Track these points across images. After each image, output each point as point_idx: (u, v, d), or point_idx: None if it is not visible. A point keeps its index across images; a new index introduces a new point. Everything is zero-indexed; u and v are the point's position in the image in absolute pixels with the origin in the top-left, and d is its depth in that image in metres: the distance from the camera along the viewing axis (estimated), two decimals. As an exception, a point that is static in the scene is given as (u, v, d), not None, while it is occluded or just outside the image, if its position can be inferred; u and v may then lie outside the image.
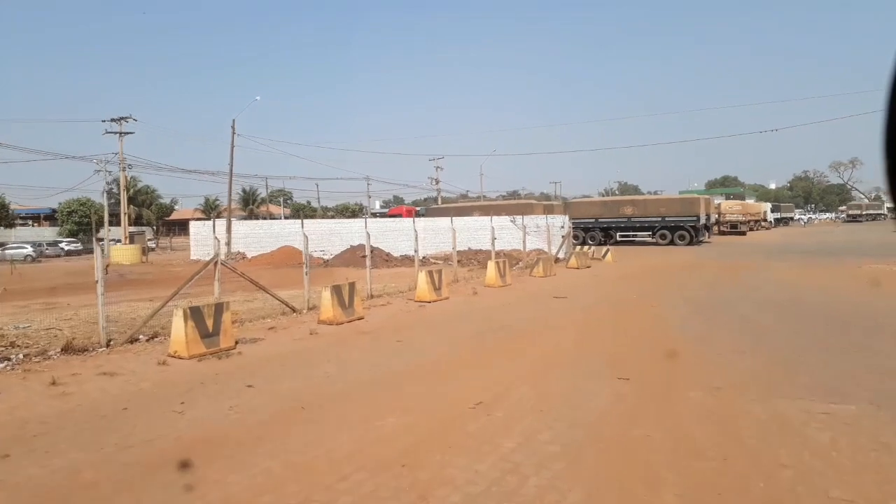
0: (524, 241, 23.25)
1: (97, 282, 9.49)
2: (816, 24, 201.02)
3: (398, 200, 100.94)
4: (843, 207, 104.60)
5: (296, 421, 5.95)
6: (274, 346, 9.59)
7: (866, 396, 6.27)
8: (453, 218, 30.91)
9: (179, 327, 8.86)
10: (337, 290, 11.39)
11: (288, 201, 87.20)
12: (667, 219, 39.04)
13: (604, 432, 5.45)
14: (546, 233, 25.57)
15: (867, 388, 6.62)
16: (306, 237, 13.09)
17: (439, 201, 63.72)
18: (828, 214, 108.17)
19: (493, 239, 20.00)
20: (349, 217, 66.12)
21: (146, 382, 7.55)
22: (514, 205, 41.79)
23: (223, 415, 6.21)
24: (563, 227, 27.65)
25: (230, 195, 36.03)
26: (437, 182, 63.65)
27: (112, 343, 9.53)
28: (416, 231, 16.44)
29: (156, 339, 9.94)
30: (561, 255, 26.02)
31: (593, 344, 9.40)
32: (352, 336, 10.28)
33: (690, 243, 38.41)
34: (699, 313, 12.11)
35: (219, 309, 9.30)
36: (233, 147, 34.54)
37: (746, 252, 31.84)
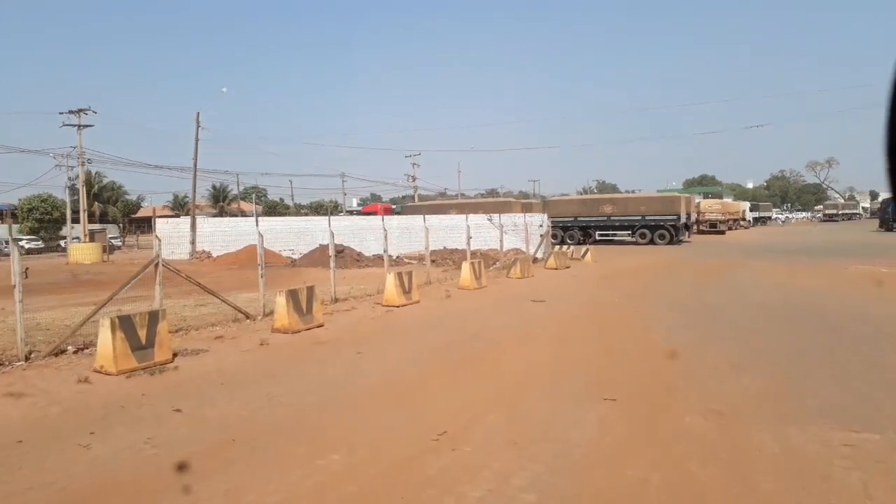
0: (501, 241, 22.33)
1: (14, 286, 8.35)
2: (796, 23, 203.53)
3: (376, 198, 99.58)
4: (820, 207, 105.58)
5: (221, 459, 4.92)
6: (217, 359, 8.52)
7: (890, 424, 5.42)
8: (428, 216, 29.91)
9: (106, 339, 7.75)
10: (293, 295, 10.33)
11: (262, 198, 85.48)
12: (647, 218, 38.45)
13: (590, 476, 4.50)
14: (524, 232, 24.68)
15: (888, 412, 5.78)
16: (261, 236, 11.99)
17: (416, 199, 62.65)
18: (804, 214, 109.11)
19: (469, 238, 19.06)
20: (324, 215, 64.79)
21: (57, 406, 6.46)
22: (491, 203, 40.91)
23: (136, 450, 5.17)
24: (541, 225, 26.77)
25: (194, 191, 34.70)
26: (414, 179, 62.64)
27: (33, 356, 8.40)
28: (385, 230, 15.41)
29: (85, 351, 8.80)
30: (539, 255, 25.17)
31: (574, 356, 8.48)
32: (307, 347, 9.25)
33: (671, 242, 37.87)
34: (686, 319, 11.27)
35: (154, 318, 8.21)
36: (197, 141, 33.22)
37: (728, 251, 31.32)
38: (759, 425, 5.45)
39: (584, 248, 26.70)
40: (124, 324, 7.91)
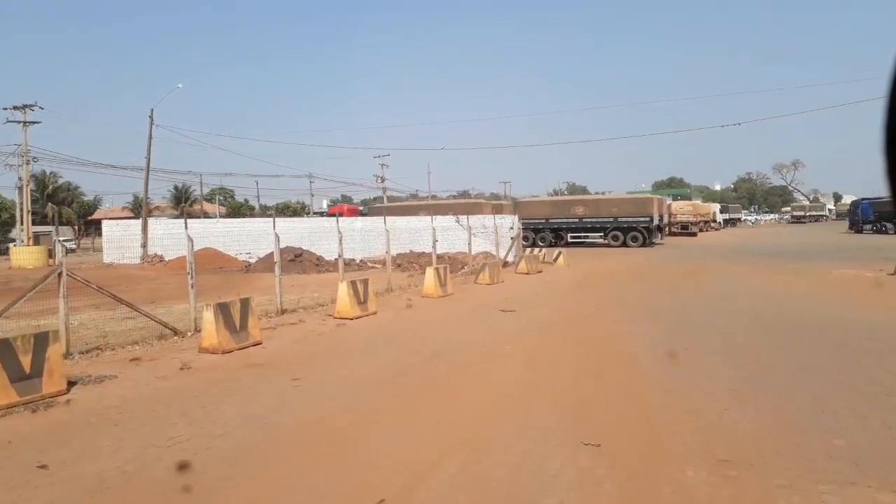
0: (469, 244, 21.12)
1: None
2: (766, 23, 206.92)
3: (347, 200, 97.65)
4: (787, 208, 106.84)
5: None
6: (124, 388, 7.11)
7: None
8: (394, 218, 28.60)
9: (-23, 369, 6.32)
10: (224, 309, 8.95)
11: (227, 199, 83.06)
12: (619, 219, 37.65)
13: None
14: (494, 234, 23.51)
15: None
16: (191, 240, 10.53)
17: (385, 200, 61.20)
18: (772, 215, 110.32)
19: (434, 241, 17.82)
20: (291, 216, 62.89)
21: None
22: (461, 204, 39.72)
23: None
24: (511, 228, 25.61)
25: (146, 191, 32.85)
26: (383, 180, 61.15)
27: None
28: (339, 232, 14.04)
29: (-35, 380, 7.31)
30: (510, 259, 24.03)
31: (548, 381, 7.25)
32: (236, 371, 7.88)
33: (643, 245, 37.12)
34: (670, 332, 10.17)
35: (41, 341, 6.77)
36: (150, 138, 31.37)
37: (703, 254, 30.60)
38: (781, 482, 4.29)
39: (556, 251, 25.66)
40: (4, 350, 6.47)
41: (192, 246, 10.44)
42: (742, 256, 28.18)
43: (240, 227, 29.97)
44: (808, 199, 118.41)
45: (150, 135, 31.52)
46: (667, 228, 47.21)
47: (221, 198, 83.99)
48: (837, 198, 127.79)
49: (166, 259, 30.46)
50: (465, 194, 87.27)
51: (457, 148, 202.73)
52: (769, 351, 8.58)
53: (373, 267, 24.85)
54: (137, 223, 32.62)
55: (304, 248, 26.03)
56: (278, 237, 12.44)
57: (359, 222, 28.11)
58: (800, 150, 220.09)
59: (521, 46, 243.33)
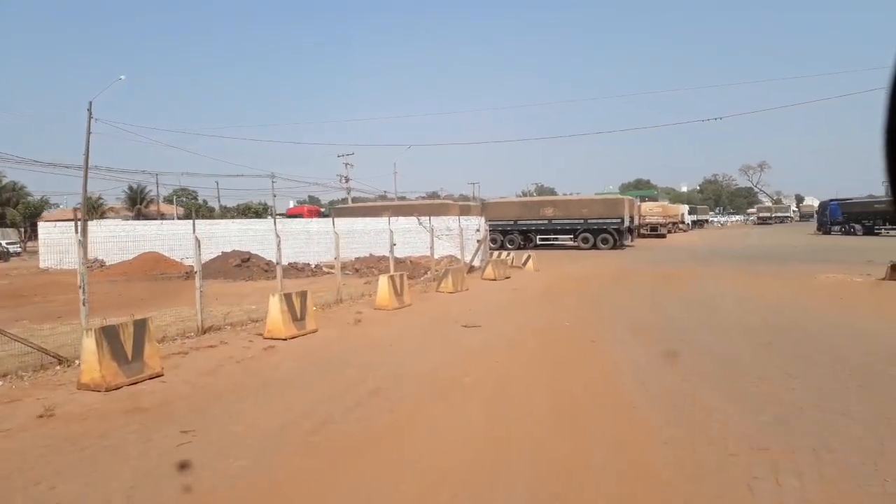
0: (432, 247, 19.40)
1: None
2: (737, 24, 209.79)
3: (315, 201, 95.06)
4: (753, 210, 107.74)
5: None
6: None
7: None
8: (354, 219, 26.77)
9: None
10: (110, 334, 7.09)
11: (190, 200, 79.89)
12: (589, 221, 36.41)
13: None
14: (459, 237, 21.84)
15: None
16: (81, 246, 8.53)
17: (350, 201, 59.15)
18: (737, 217, 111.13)
19: (392, 245, 16.11)
20: (252, 217, 60.31)
21: None
22: (427, 205, 38.04)
23: None
24: (478, 230, 23.96)
25: (85, 190, 30.49)
26: (347, 180, 59.07)
27: None
28: (277, 235, 12.18)
29: None
30: (476, 263, 22.40)
31: (517, 438, 5.55)
32: (111, 421, 6.02)
33: (614, 247, 35.95)
34: (660, 355, 8.62)
35: None
36: (89, 134, 28.99)
37: (676, 257, 29.46)
38: None
39: (525, 254, 24.13)
40: None
41: (84, 250, 8.48)
42: (717, 259, 27.07)
43: (186, 229, 27.71)
44: (772, 201, 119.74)
45: (89, 130, 29.16)
46: (637, 230, 46.24)
47: (184, 199, 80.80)
48: (799, 199, 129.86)
49: (108, 264, 28.16)
50: (434, 195, 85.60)
51: (424, 143, 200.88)
52: (784, 381, 7.06)
53: (329, 272, 22.96)
54: (71, 225, 30.13)
55: (256, 251, 24.06)
56: (199, 241, 10.57)
57: (314, 224, 26.17)
58: (763, 153, 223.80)
59: (498, 47, 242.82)
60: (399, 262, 22.99)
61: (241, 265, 21.38)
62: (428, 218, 22.91)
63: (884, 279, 16.27)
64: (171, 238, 27.48)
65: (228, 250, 23.29)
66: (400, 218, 25.44)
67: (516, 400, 6.61)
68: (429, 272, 19.11)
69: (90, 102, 29.27)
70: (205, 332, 10.19)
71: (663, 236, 52.56)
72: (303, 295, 10.26)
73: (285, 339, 9.64)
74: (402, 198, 64.94)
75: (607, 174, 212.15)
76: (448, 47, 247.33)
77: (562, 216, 37.24)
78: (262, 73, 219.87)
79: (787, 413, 5.95)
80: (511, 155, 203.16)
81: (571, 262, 26.81)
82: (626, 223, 36.58)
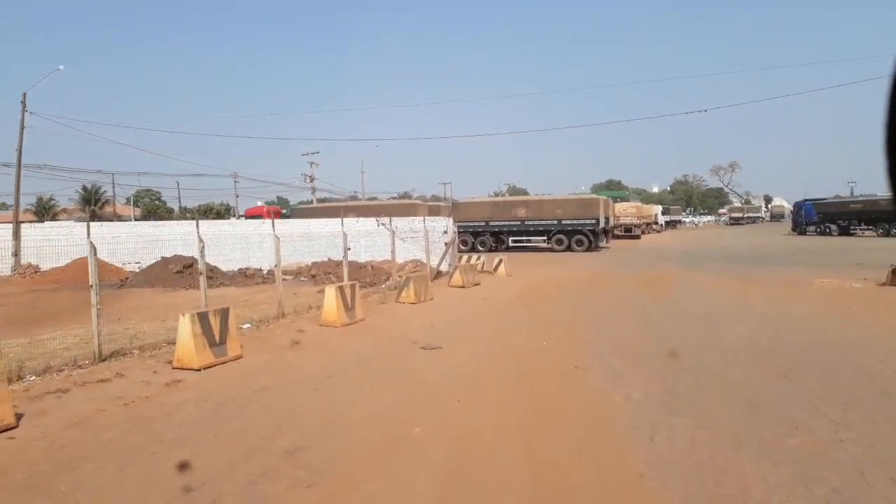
0: (393, 251, 17.57)
1: None
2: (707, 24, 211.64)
3: (283, 201, 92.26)
4: (724, 210, 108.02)
5: None
6: None
7: None
8: (311, 221, 24.82)
9: None
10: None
11: (148, 201, 76.71)
12: (563, 222, 34.89)
13: None
14: (424, 239, 20.07)
15: None
16: None
17: (314, 201, 56.97)
18: (709, 217, 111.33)
19: (346, 249, 14.30)
20: (214, 219, 57.68)
21: None
22: (394, 205, 36.18)
23: None
24: (445, 231, 22.20)
25: (17, 189, 27.84)
26: (312, 180, 56.86)
27: None
28: (199, 239, 10.27)
29: None
30: (444, 268, 20.67)
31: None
32: None
33: (589, 249, 34.51)
34: (658, 386, 7.00)
35: None
36: (23, 127, 26.47)
37: (655, 259, 28.10)
38: None
39: (496, 258, 22.43)
40: None
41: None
42: (698, 262, 25.75)
43: (128, 230, 25.52)
44: (742, 202, 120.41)
45: (23, 124, 26.64)
46: (611, 231, 45.04)
47: (148, 200, 77.58)
48: (768, 200, 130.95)
49: (43, 269, 25.77)
50: (406, 196, 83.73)
51: (392, 139, 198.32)
52: (828, 430, 5.44)
53: (283, 279, 20.99)
54: (9, 228, 27.60)
55: (195, 257, 21.94)
56: (94, 247, 8.62)
57: (267, 226, 24.11)
58: (732, 153, 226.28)
59: (468, 45, 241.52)
60: (359, 268, 21.15)
61: (183, 272, 19.30)
62: (389, 219, 21.05)
63: (884, 284, 14.99)
64: (113, 241, 25.19)
65: (163, 255, 21.11)
66: (360, 219, 23.55)
67: (482, 469, 4.88)
68: (390, 279, 17.31)
69: (24, 94, 26.77)
70: (103, 360, 8.27)
71: (638, 237, 51.45)
72: (223, 313, 8.39)
73: (198, 370, 7.78)
74: (373, 198, 63.00)
75: (579, 175, 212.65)
76: (426, 40, 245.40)
77: (535, 217, 35.69)
78: (230, 68, 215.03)
79: (849, 484, 4.34)
80: (483, 156, 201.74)
81: (546, 266, 25.25)
82: (602, 224, 35.18)
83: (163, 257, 20.58)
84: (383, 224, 20.65)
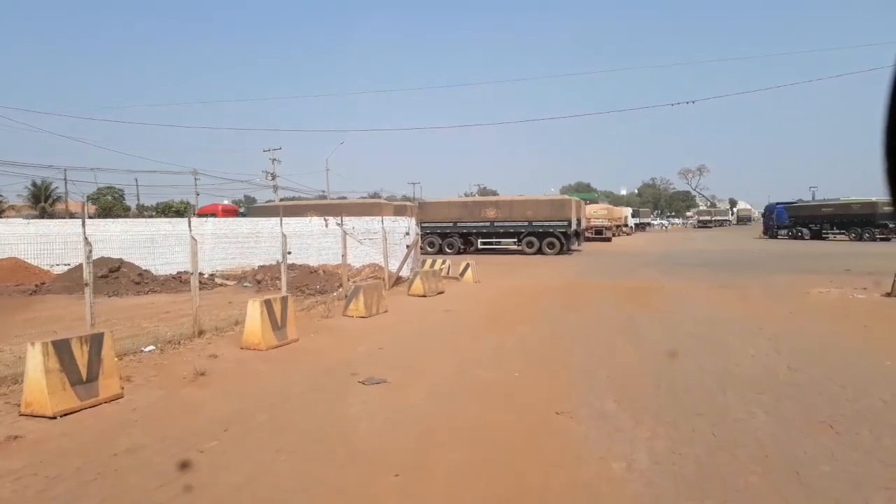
0: (344, 254, 15.57)
1: None
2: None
3: (250, 200, 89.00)
4: (691, 213, 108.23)
5: None
6: None
7: None
8: (261, 220, 22.65)
9: None
10: None
11: (111, 198, 72.93)
12: (534, 224, 33.28)
13: None
14: (383, 242, 18.10)
15: None
16: None
17: (277, 200, 54.46)
18: (677, 220, 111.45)
19: (285, 252, 12.32)
20: (175, 217, 54.66)
21: None
22: (358, 205, 34.26)
23: None
24: (407, 233, 20.26)
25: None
26: (274, 177, 54.36)
27: None
28: (88, 243, 8.20)
29: None
30: (406, 273, 18.75)
31: None
32: None
33: (561, 252, 32.97)
34: (664, 442, 5.25)
35: None
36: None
37: (631, 264, 26.58)
38: None
39: (464, 262, 20.60)
40: None
41: None
42: (677, 267, 24.31)
43: (57, 229, 22.96)
44: (708, 205, 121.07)
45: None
46: (583, 233, 43.68)
47: (110, 197, 73.78)
48: (733, 203, 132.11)
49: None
50: (375, 196, 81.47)
51: (360, 130, 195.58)
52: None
53: (222, 284, 18.86)
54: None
55: (137, 259, 19.68)
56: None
57: (209, 225, 21.88)
58: (700, 157, 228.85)
59: (442, 43, 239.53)
60: (311, 273, 19.14)
61: (108, 276, 17.00)
62: (340, 218, 18.98)
63: (890, 294, 13.58)
64: (41, 241, 22.73)
65: (95, 257, 18.79)
66: (314, 218, 21.45)
67: None
68: (342, 286, 15.32)
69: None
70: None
71: (609, 240, 50.27)
72: (93, 340, 6.34)
73: (52, 417, 5.76)
74: (343, 198, 60.72)
75: (548, 178, 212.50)
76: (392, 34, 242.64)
77: (505, 218, 34.01)
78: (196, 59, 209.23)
79: None
80: (453, 157, 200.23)
81: (517, 271, 23.51)
82: (574, 226, 33.65)
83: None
84: (337, 223, 18.57)
